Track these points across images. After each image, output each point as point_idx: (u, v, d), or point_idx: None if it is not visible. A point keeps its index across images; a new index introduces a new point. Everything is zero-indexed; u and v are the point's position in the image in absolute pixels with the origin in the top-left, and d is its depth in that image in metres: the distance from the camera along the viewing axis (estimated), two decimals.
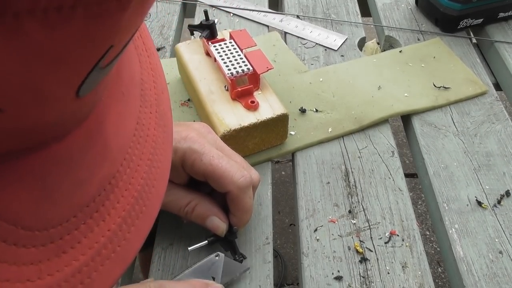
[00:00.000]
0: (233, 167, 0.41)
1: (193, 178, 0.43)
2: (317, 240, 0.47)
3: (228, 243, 0.44)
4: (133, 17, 0.15)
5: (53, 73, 0.14)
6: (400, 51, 0.68)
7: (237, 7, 0.76)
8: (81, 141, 0.18)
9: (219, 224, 0.42)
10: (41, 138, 0.16)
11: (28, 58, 0.12)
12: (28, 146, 0.16)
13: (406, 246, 0.47)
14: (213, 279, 0.41)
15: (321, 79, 0.63)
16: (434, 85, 0.62)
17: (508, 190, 0.51)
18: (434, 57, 0.67)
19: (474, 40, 0.74)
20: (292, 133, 0.56)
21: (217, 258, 0.42)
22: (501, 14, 0.73)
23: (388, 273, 0.45)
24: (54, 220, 0.17)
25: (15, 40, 0.12)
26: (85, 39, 0.13)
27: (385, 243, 0.47)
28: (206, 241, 0.43)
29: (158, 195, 0.23)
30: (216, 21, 0.74)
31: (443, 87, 0.62)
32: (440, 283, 1.15)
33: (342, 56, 0.68)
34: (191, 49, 0.58)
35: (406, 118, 0.61)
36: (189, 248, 0.43)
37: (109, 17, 0.13)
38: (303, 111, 0.58)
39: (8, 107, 0.14)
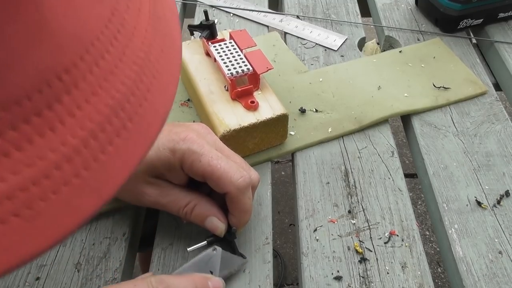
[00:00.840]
0: (232, 168, 0.41)
1: (193, 179, 0.43)
2: (317, 240, 0.47)
3: (227, 243, 0.44)
4: None
5: None
6: (400, 51, 0.68)
7: (237, 7, 0.76)
8: None
9: (218, 224, 0.42)
10: None
11: None
12: None
13: (406, 246, 0.47)
14: (211, 273, 0.41)
15: (321, 79, 0.63)
16: (434, 85, 0.62)
17: (508, 190, 0.51)
18: (434, 57, 0.67)
19: (474, 40, 0.74)
20: (292, 133, 0.56)
21: (214, 252, 0.42)
22: (501, 14, 0.73)
23: (388, 273, 0.45)
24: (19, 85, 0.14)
25: None
26: None
27: (385, 243, 0.47)
28: (205, 242, 0.43)
29: (153, 110, 0.19)
30: (216, 21, 0.74)
31: (443, 87, 0.62)
32: (439, 283, 1.15)
33: (342, 56, 0.68)
34: (191, 49, 0.58)
35: (406, 118, 0.61)
36: (188, 249, 0.43)
37: None
38: (303, 111, 0.58)
39: None
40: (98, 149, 0.16)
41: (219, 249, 0.42)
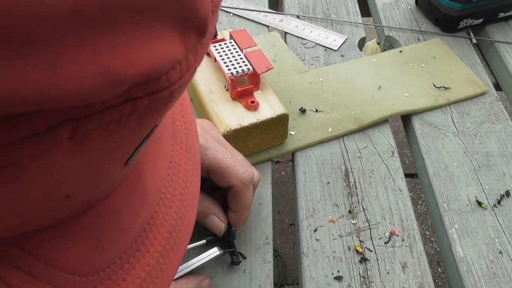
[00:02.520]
0: (236, 162, 0.41)
1: None
2: (317, 240, 0.47)
3: (226, 243, 0.44)
4: (175, 101, 0.17)
5: (108, 160, 0.16)
6: (400, 51, 0.68)
7: (237, 7, 0.76)
8: (124, 193, 0.20)
9: (218, 223, 0.43)
10: (95, 203, 0.19)
11: (91, 157, 0.15)
12: (84, 210, 0.18)
13: (406, 246, 0.47)
14: (203, 269, 0.42)
15: (321, 79, 0.63)
16: (434, 85, 0.62)
17: (508, 190, 0.51)
18: (434, 57, 0.67)
19: (474, 40, 0.74)
20: (292, 133, 0.56)
21: (215, 259, 0.42)
22: (501, 14, 0.73)
23: (388, 273, 0.45)
24: (103, 264, 0.19)
25: (82, 148, 0.14)
26: (136, 131, 0.16)
27: (385, 243, 0.47)
28: (204, 241, 0.43)
29: (189, 225, 0.25)
30: None
31: (443, 87, 0.62)
32: (440, 283, 1.15)
33: (342, 56, 0.68)
34: None
35: (406, 118, 0.61)
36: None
37: (156, 112, 0.15)
38: (303, 111, 0.58)
39: (73, 193, 0.16)
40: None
41: (221, 253, 0.42)
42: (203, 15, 0.15)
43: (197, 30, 0.15)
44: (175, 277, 0.42)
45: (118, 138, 0.15)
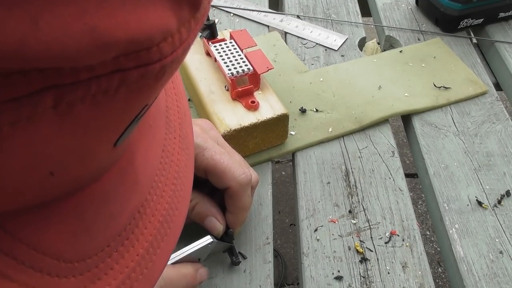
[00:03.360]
0: (234, 163, 0.41)
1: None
2: (318, 240, 0.47)
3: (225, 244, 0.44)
4: (166, 80, 0.16)
5: (96, 138, 0.15)
6: (401, 51, 0.68)
7: (238, 7, 0.76)
8: (114, 178, 0.20)
9: (216, 225, 0.43)
10: (82, 185, 0.18)
11: (77, 132, 0.14)
12: (70, 192, 0.18)
13: (407, 246, 0.47)
14: (199, 260, 0.41)
15: (321, 79, 0.63)
16: (434, 85, 0.62)
17: (509, 190, 0.51)
18: (435, 57, 0.67)
19: (474, 40, 0.74)
20: (292, 133, 0.56)
21: (209, 245, 0.42)
22: (502, 14, 0.73)
23: (389, 273, 0.45)
24: (91, 251, 0.19)
25: (67, 121, 0.13)
26: (125, 108, 0.15)
27: (386, 243, 0.47)
28: (210, 237, 0.43)
29: (181, 216, 0.24)
30: (216, 21, 0.74)
31: (444, 87, 0.62)
32: (440, 283, 1.15)
33: (342, 56, 0.68)
34: (191, 49, 0.58)
35: (407, 118, 0.61)
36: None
37: (147, 88, 0.15)
38: (303, 111, 0.58)
39: (58, 170, 0.15)
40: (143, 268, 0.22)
41: (214, 242, 0.42)
42: None
43: (191, 2, 0.15)
44: (170, 263, 0.42)
45: (105, 113, 0.14)
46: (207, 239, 0.42)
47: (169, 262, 0.42)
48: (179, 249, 0.42)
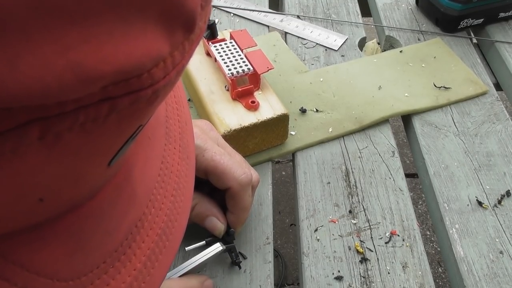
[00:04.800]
0: (234, 164, 0.41)
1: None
2: (318, 240, 0.47)
3: (225, 243, 0.44)
4: (161, 101, 0.16)
5: (88, 162, 0.15)
6: (401, 51, 0.68)
7: (238, 7, 0.76)
8: (110, 194, 0.19)
9: (217, 225, 0.43)
10: (76, 204, 0.18)
11: (67, 159, 0.14)
12: (63, 212, 0.18)
13: (407, 246, 0.47)
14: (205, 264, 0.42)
15: (321, 79, 0.63)
16: (434, 85, 0.62)
17: (509, 190, 0.51)
18: (435, 57, 0.67)
19: (474, 40, 0.74)
20: (293, 133, 0.56)
21: (218, 254, 0.42)
22: (502, 14, 0.73)
23: (389, 273, 0.45)
24: (86, 269, 0.19)
25: (55, 150, 0.13)
26: (117, 132, 0.15)
27: (386, 243, 0.47)
28: (204, 242, 0.43)
29: (180, 227, 0.24)
30: (216, 21, 0.74)
31: (444, 87, 0.62)
32: (440, 283, 1.15)
33: (342, 56, 0.68)
34: None
35: (407, 118, 0.61)
36: (186, 248, 0.43)
37: (140, 112, 0.15)
38: (303, 111, 0.58)
39: (48, 196, 0.15)
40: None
41: (223, 248, 0.42)
42: (191, 10, 0.14)
43: (184, 25, 0.14)
44: (180, 274, 0.42)
45: (97, 139, 0.14)
46: (217, 247, 0.42)
47: (182, 271, 0.42)
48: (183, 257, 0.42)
